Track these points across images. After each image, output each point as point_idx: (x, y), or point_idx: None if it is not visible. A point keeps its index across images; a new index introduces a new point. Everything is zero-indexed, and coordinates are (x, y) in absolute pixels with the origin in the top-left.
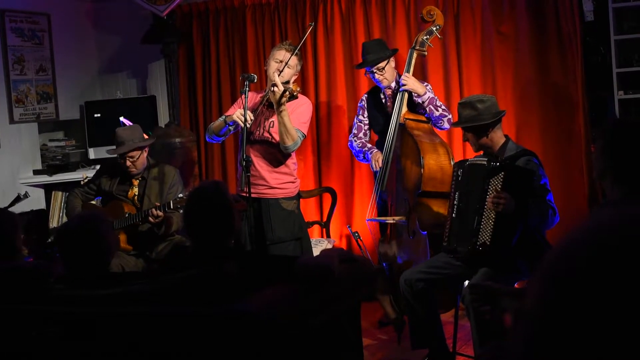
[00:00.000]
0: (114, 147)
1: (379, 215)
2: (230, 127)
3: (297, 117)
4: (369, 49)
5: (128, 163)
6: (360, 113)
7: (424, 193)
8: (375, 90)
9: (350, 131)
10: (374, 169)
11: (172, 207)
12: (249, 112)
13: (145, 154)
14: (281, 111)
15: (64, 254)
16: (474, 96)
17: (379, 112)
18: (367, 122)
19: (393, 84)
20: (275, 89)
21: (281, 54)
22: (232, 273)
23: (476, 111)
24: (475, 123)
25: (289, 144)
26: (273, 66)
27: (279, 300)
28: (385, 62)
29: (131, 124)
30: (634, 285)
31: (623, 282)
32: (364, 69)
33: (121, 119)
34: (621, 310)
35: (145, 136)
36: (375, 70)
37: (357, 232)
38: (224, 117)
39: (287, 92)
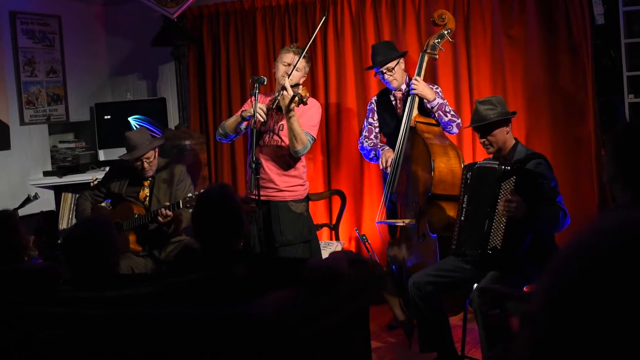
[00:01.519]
0: (125, 152)
1: (389, 217)
2: (241, 127)
3: (306, 120)
4: (377, 50)
5: (145, 165)
6: (370, 116)
7: (434, 196)
8: (384, 93)
9: (360, 134)
10: (383, 169)
11: (181, 205)
12: (262, 106)
13: (156, 154)
14: (290, 116)
15: (68, 260)
16: (485, 98)
17: (389, 115)
18: (377, 124)
19: (403, 87)
20: (285, 92)
21: (289, 57)
22: (241, 275)
23: (493, 105)
24: (494, 119)
25: (298, 148)
26: (281, 69)
27: (288, 302)
28: (395, 62)
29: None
30: (638, 289)
31: (627, 285)
32: (373, 71)
33: (132, 121)
34: (625, 313)
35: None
36: (384, 71)
37: (364, 235)
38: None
39: (297, 98)
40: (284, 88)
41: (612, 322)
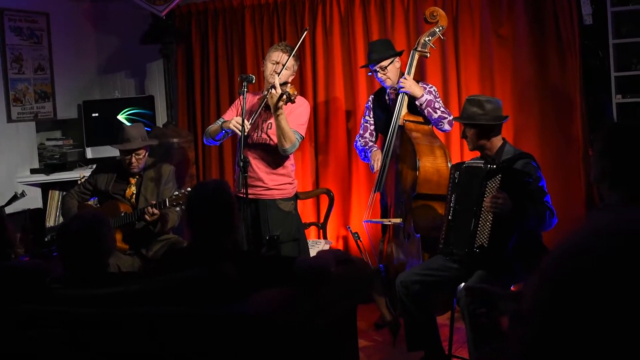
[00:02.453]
0: (118, 143)
1: (381, 216)
2: (227, 132)
3: (294, 118)
4: (373, 47)
5: (133, 160)
6: (367, 114)
7: (420, 195)
8: (381, 91)
9: (348, 132)
10: (372, 170)
11: (168, 204)
12: (246, 122)
13: (146, 153)
14: (278, 115)
15: (63, 254)
16: (483, 96)
17: (383, 113)
18: (372, 122)
19: (397, 85)
20: (273, 91)
21: (277, 55)
22: (230, 274)
23: (483, 110)
24: (477, 122)
25: (287, 146)
26: (269, 68)
27: (277, 301)
28: (389, 61)
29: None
30: (631, 290)
31: (620, 286)
32: (368, 69)
33: (122, 118)
34: (618, 314)
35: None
36: (378, 69)
37: (357, 233)
38: (221, 121)
39: (285, 96)
40: (273, 86)
41: (606, 321)
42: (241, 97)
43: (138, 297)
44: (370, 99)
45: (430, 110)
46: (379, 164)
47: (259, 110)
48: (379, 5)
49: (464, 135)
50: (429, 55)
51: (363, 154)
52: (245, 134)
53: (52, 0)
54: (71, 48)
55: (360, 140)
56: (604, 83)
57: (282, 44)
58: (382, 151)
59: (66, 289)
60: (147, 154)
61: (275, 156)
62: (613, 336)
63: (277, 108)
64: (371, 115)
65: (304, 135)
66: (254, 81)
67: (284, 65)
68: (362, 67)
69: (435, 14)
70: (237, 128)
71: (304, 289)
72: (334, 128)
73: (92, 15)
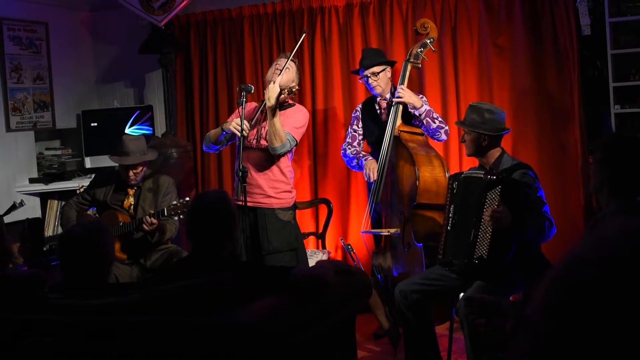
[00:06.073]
0: (117, 154)
1: (374, 227)
2: (226, 136)
3: (291, 121)
4: (366, 54)
5: (131, 174)
6: (355, 123)
7: (419, 205)
8: (370, 101)
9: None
10: (368, 179)
11: (166, 214)
12: (245, 122)
13: (145, 166)
14: (274, 112)
15: (63, 261)
16: (486, 104)
17: (373, 123)
18: (361, 132)
19: (388, 95)
20: (271, 86)
21: (282, 62)
22: (229, 283)
23: (481, 119)
24: (476, 130)
25: (276, 145)
26: (270, 71)
27: (275, 311)
28: (381, 68)
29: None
30: (636, 299)
31: (631, 294)
32: (359, 75)
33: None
34: (629, 322)
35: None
36: (369, 75)
37: (349, 245)
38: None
39: (286, 90)
40: (273, 82)
41: (616, 331)
42: (240, 107)
43: (134, 306)
44: (359, 108)
45: (430, 120)
46: (375, 173)
47: (256, 115)
48: (377, 14)
49: (463, 140)
50: (420, 67)
51: (354, 161)
52: (245, 134)
53: (50, 9)
54: (70, 58)
55: (349, 149)
56: (603, 93)
57: (286, 54)
58: (376, 161)
59: (64, 299)
60: (144, 167)
61: (274, 162)
62: (618, 345)
63: (274, 107)
64: (360, 125)
65: (297, 140)
66: (252, 91)
67: (284, 66)
68: (353, 72)
69: (426, 25)
70: (236, 129)
71: (302, 298)
72: (333, 138)
73: (91, 25)
